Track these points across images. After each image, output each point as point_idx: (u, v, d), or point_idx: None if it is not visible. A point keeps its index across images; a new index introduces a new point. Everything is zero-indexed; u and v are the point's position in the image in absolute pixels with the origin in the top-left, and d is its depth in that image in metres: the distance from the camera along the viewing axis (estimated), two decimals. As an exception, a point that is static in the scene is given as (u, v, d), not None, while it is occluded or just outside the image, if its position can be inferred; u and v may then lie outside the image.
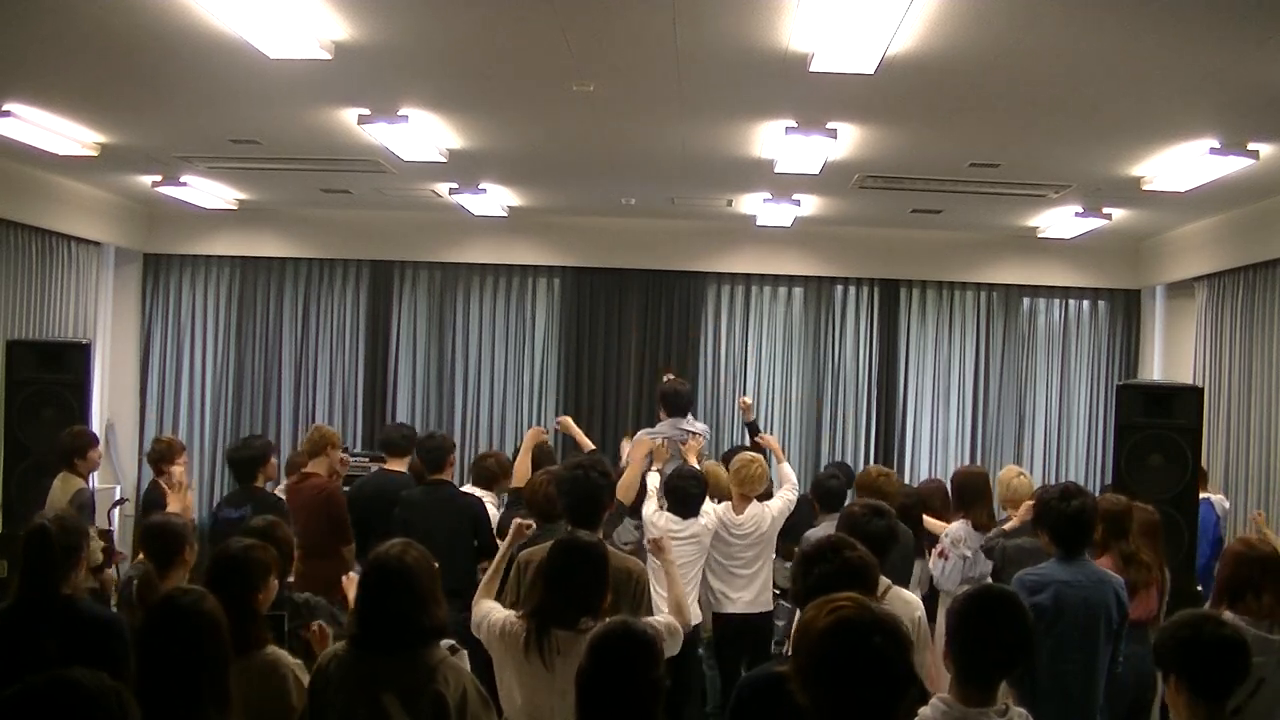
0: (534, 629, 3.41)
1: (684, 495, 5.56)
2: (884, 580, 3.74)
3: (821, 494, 6.06)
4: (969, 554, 5.49)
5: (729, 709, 3.04)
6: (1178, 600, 5.29)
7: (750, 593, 5.73)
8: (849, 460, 9.82)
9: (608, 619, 2.90)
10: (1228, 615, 3.99)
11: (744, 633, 5.71)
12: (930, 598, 5.38)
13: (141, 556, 4.20)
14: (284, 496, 6.08)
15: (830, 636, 2.23)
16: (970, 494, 5.73)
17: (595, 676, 2.67)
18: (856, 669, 2.19)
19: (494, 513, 6.05)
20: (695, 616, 5.49)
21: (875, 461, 9.70)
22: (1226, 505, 7.46)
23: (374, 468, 7.54)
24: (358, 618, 3.04)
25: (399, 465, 6.26)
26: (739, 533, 5.75)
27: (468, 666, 3.34)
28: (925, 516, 5.99)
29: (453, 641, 3.29)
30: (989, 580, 5.37)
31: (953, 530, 5.60)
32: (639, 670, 2.67)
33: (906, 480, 9.28)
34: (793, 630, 2.35)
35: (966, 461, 9.53)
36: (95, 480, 6.36)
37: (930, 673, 3.72)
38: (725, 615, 5.76)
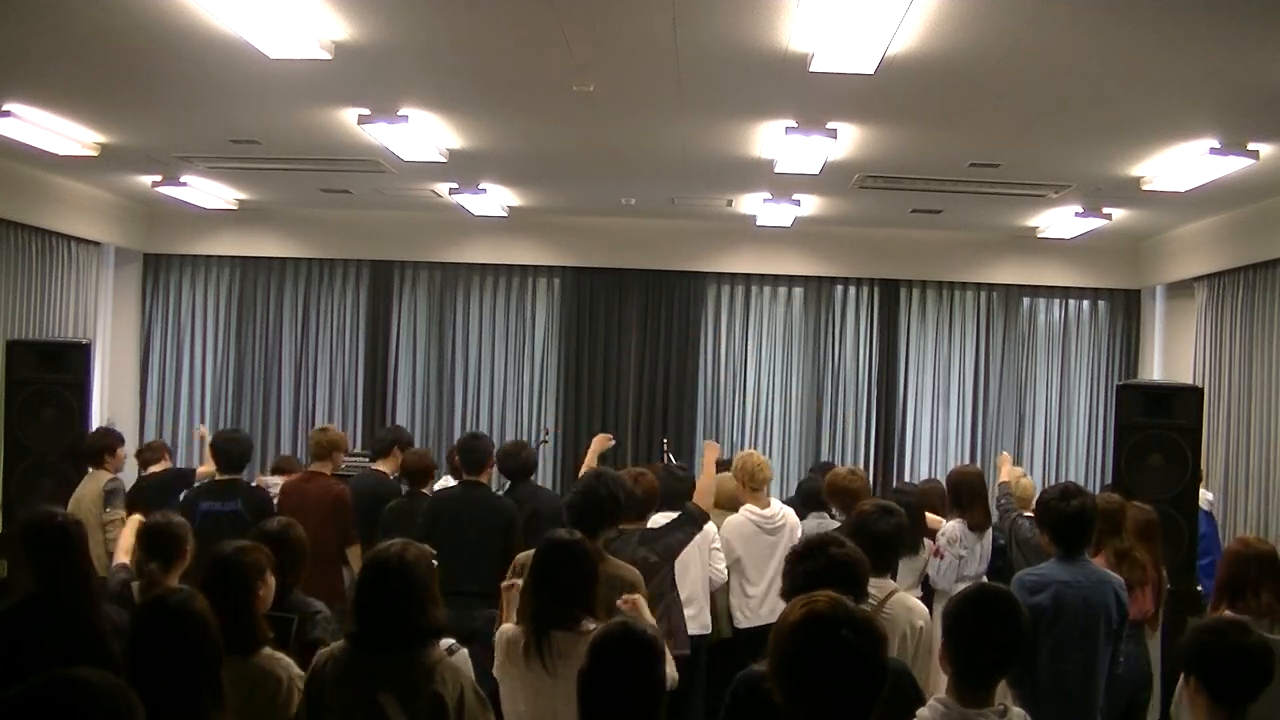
0: (532, 634, 3.41)
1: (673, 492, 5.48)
2: (889, 584, 3.72)
3: (805, 494, 6.07)
4: (964, 553, 5.51)
5: (725, 703, 3.04)
6: (1178, 601, 5.29)
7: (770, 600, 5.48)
8: (848, 460, 9.83)
9: (609, 620, 2.90)
10: (1227, 615, 4.00)
11: (761, 640, 5.48)
12: (924, 597, 5.38)
13: (129, 558, 4.19)
14: (278, 494, 6.06)
15: (800, 630, 2.21)
16: (966, 494, 5.74)
17: (596, 677, 2.67)
18: (827, 663, 2.17)
19: None
20: (704, 627, 5.41)
21: (876, 461, 9.73)
22: (1209, 497, 7.40)
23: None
24: (356, 616, 3.02)
25: (385, 467, 6.28)
26: (770, 526, 5.63)
27: (469, 665, 3.33)
28: (927, 514, 6.00)
29: (452, 641, 3.29)
30: (985, 578, 5.38)
31: (948, 530, 5.62)
32: (640, 670, 2.67)
33: (906, 481, 9.29)
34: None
35: (966, 462, 9.53)
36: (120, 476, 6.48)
37: (929, 678, 3.70)
38: (745, 629, 5.59)
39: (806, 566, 2.98)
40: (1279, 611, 4.05)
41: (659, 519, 5.07)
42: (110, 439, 6.56)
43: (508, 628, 3.58)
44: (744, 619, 5.64)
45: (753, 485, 5.72)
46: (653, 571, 4.62)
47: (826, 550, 3.02)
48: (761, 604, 5.58)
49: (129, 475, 6.74)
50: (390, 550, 3.07)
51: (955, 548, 5.53)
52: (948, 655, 2.64)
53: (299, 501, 5.78)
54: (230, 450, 5.82)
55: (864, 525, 3.74)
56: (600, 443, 5.85)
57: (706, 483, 5.08)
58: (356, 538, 5.78)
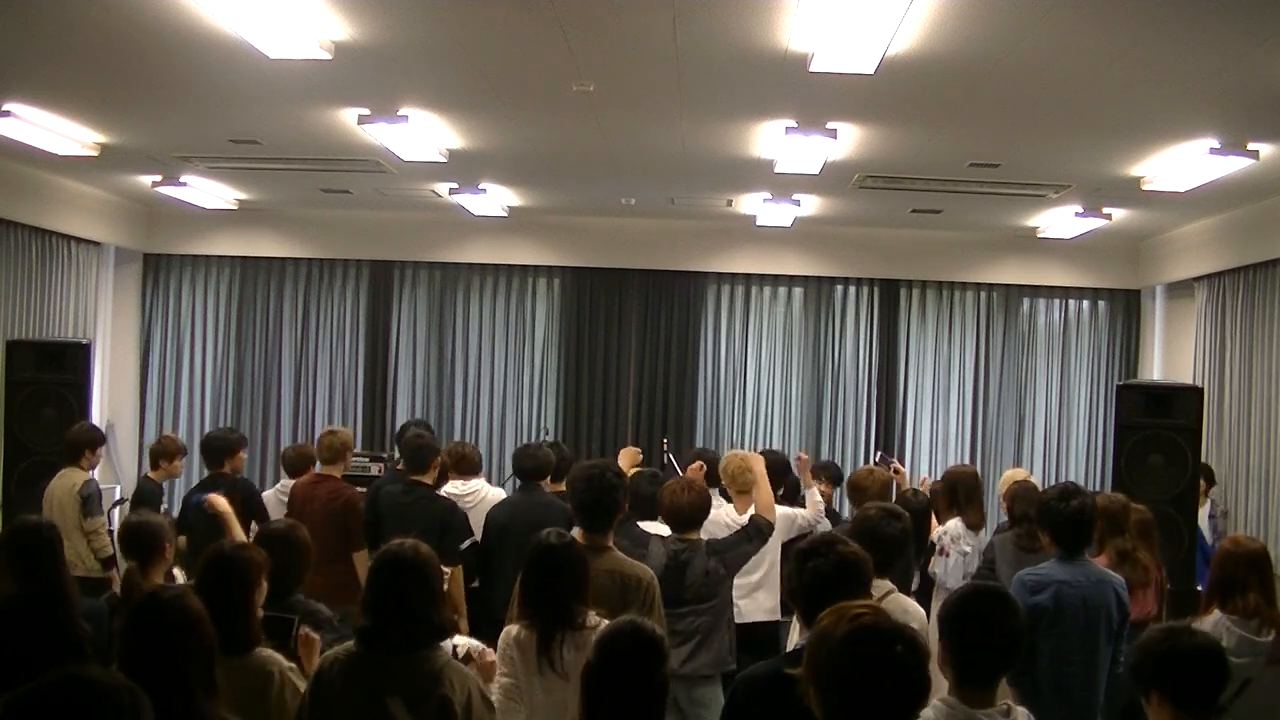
0: (538, 636, 3.42)
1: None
2: (885, 584, 3.73)
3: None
4: (968, 550, 5.56)
5: (725, 705, 3.04)
6: (1178, 600, 5.30)
7: (753, 601, 5.40)
8: (848, 461, 9.82)
9: (618, 619, 2.91)
10: (1216, 615, 4.01)
11: (747, 643, 5.15)
12: (921, 595, 5.39)
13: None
14: (288, 495, 6.07)
15: (850, 644, 2.23)
16: (962, 493, 5.77)
17: (602, 674, 2.68)
18: (876, 677, 2.20)
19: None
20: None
21: (876, 462, 9.70)
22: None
23: (373, 468, 7.51)
24: (368, 612, 2.99)
25: (428, 479, 5.79)
26: None
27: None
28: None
29: (480, 644, 3.30)
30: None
31: (950, 528, 5.67)
32: (646, 669, 2.68)
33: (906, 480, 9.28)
34: (807, 638, 2.34)
35: (966, 462, 9.53)
36: (95, 476, 6.43)
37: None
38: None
39: (815, 564, 2.98)
40: (1268, 612, 4.06)
41: (648, 527, 4.85)
42: (95, 434, 6.48)
43: (510, 629, 3.58)
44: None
45: (737, 488, 5.46)
46: (719, 584, 4.55)
47: (834, 549, 3.03)
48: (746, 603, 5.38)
49: (129, 477, 6.74)
50: (404, 545, 3.07)
51: (959, 545, 5.57)
52: (948, 657, 2.64)
53: (305, 504, 5.80)
54: (211, 446, 6.10)
55: (871, 529, 3.76)
56: (630, 456, 5.59)
57: (767, 494, 4.93)
58: (363, 543, 5.72)
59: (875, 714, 2.19)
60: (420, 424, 7.46)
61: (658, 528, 4.86)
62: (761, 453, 5.99)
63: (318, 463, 6.36)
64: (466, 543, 5.58)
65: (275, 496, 6.30)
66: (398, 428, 9.52)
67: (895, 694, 2.20)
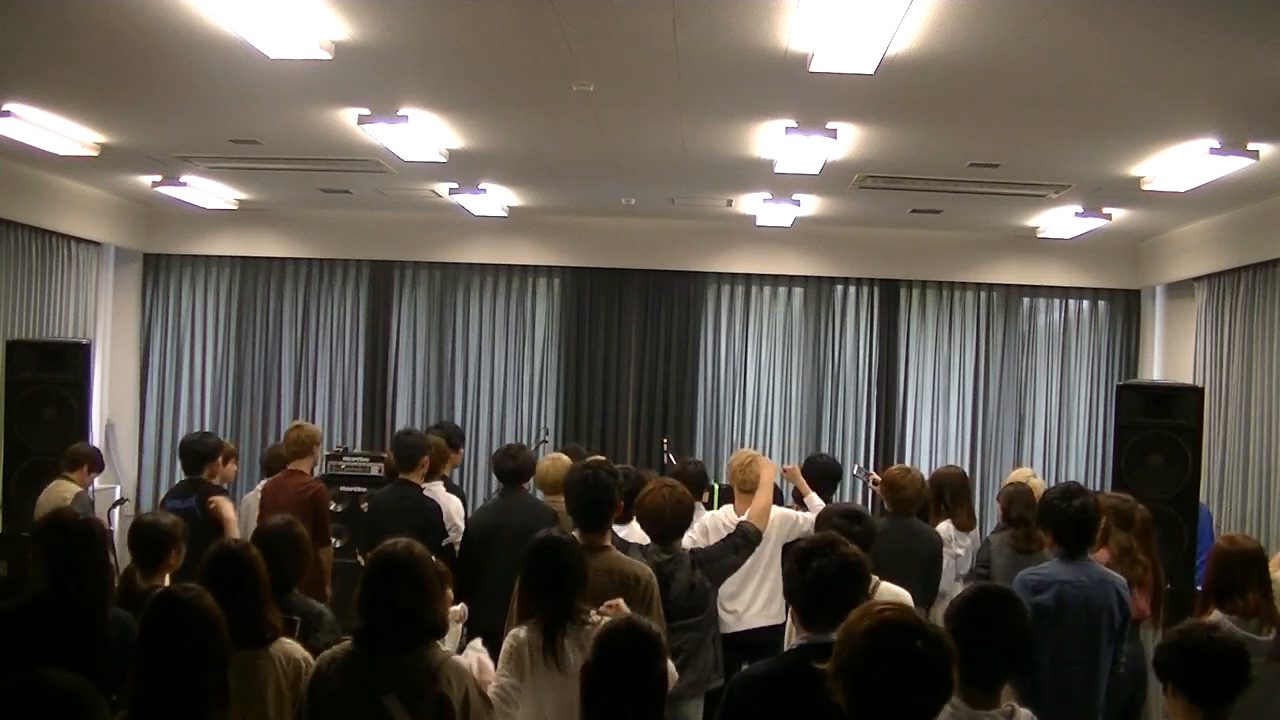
0: (544, 634, 3.42)
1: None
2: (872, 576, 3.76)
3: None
4: (960, 551, 5.59)
5: (721, 705, 3.04)
6: (1177, 601, 5.30)
7: (758, 602, 5.32)
8: (849, 460, 9.82)
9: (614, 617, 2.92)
10: (1216, 615, 4.01)
11: (749, 647, 5.06)
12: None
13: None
14: (261, 493, 6.07)
15: (872, 638, 2.24)
16: (949, 496, 5.78)
17: (600, 673, 2.69)
18: (897, 671, 2.21)
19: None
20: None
21: (875, 462, 9.71)
22: None
23: (373, 468, 7.51)
24: (363, 613, 3.01)
25: (415, 477, 5.80)
26: None
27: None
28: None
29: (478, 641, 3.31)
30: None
31: (941, 531, 5.68)
32: (643, 666, 2.69)
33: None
34: (836, 634, 2.36)
35: (967, 461, 9.54)
36: (95, 483, 6.43)
37: None
38: (730, 634, 5.17)
39: (819, 563, 2.99)
40: (1266, 611, 4.05)
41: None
42: (96, 455, 6.48)
43: (518, 632, 3.58)
44: (733, 624, 5.30)
45: (741, 487, 5.38)
46: (705, 597, 4.38)
47: (837, 549, 3.04)
48: (731, 611, 5.29)
49: (129, 477, 6.72)
50: (396, 546, 3.08)
51: (951, 547, 5.59)
52: (954, 657, 2.65)
53: (275, 499, 5.81)
54: (187, 451, 5.91)
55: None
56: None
57: (765, 500, 4.84)
58: (329, 539, 5.79)
59: (897, 709, 2.20)
60: (441, 427, 7.32)
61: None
62: (812, 457, 6.09)
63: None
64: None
65: (254, 499, 6.28)
66: (399, 429, 9.52)
67: (916, 689, 2.21)
